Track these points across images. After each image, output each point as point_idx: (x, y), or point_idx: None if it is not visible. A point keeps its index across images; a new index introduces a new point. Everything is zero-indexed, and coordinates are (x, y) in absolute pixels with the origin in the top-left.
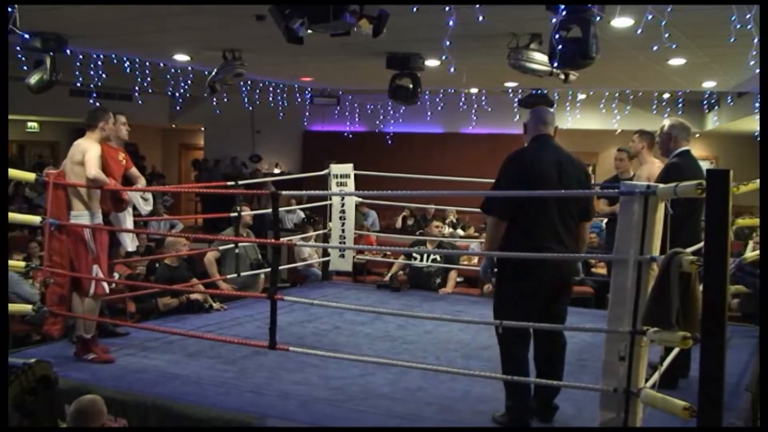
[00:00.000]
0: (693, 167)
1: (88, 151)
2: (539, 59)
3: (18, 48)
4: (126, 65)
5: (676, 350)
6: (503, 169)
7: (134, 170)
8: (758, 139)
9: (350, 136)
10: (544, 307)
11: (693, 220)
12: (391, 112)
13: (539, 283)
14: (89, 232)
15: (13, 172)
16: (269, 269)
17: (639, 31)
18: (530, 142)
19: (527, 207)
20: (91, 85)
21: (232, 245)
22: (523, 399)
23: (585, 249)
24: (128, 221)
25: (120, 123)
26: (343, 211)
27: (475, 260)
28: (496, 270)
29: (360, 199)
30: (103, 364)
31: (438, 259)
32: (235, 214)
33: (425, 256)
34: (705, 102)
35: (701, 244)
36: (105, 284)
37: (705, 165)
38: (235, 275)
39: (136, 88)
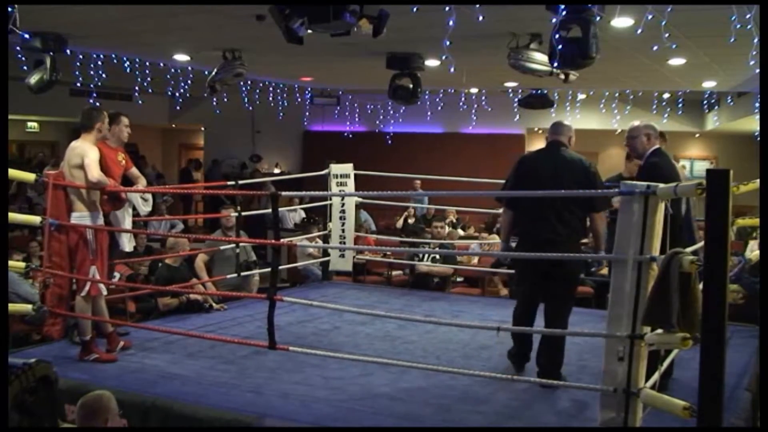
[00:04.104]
0: (672, 166)
1: (87, 155)
2: (539, 59)
3: (18, 48)
4: (126, 65)
5: (675, 351)
6: (512, 168)
7: (134, 170)
8: (758, 139)
9: (350, 136)
10: (543, 285)
11: (677, 219)
12: (391, 112)
13: (530, 264)
14: (91, 232)
15: (13, 173)
16: (263, 270)
17: (639, 31)
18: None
19: (522, 199)
20: (91, 85)
21: (220, 248)
22: (515, 344)
23: (602, 241)
24: (127, 221)
25: (122, 125)
26: (343, 212)
27: (475, 260)
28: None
29: (360, 199)
30: (104, 364)
31: (438, 258)
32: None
33: (425, 255)
34: (705, 102)
35: (701, 243)
36: (101, 286)
37: (705, 165)
38: (224, 277)
39: (136, 88)
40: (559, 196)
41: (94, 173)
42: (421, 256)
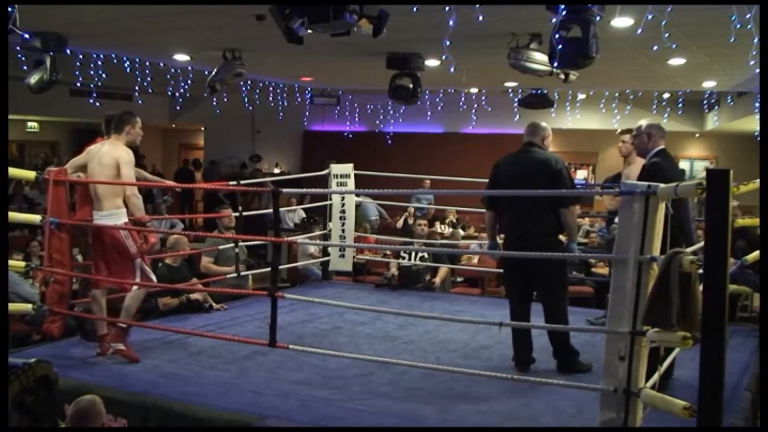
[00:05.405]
0: (674, 166)
1: (120, 156)
2: (539, 59)
3: (18, 48)
4: (126, 65)
5: (676, 350)
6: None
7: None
8: (758, 139)
9: (350, 136)
10: (526, 280)
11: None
12: (391, 112)
13: (508, 260)
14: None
15: (14, 171)
16: (261, 270)
17: (639, 31)
18: None
19: (496, 200)
20: (91, 85)
21: (219, 247)
22: (514, 346)
23: (574, 232)
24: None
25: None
26: (343, 211)
27: (475, 260)
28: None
29: (359, 199)
30: (104, 364)
31: (426, 256)
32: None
33: (413, 254)
34: (705, 102)
35: (701, 244)
36: (151, 276)
37: (705, 165)
38: (223, 277)
39: (136, 88)
40: (528, 195)
41: (128, 171)
42: (408, 254)
